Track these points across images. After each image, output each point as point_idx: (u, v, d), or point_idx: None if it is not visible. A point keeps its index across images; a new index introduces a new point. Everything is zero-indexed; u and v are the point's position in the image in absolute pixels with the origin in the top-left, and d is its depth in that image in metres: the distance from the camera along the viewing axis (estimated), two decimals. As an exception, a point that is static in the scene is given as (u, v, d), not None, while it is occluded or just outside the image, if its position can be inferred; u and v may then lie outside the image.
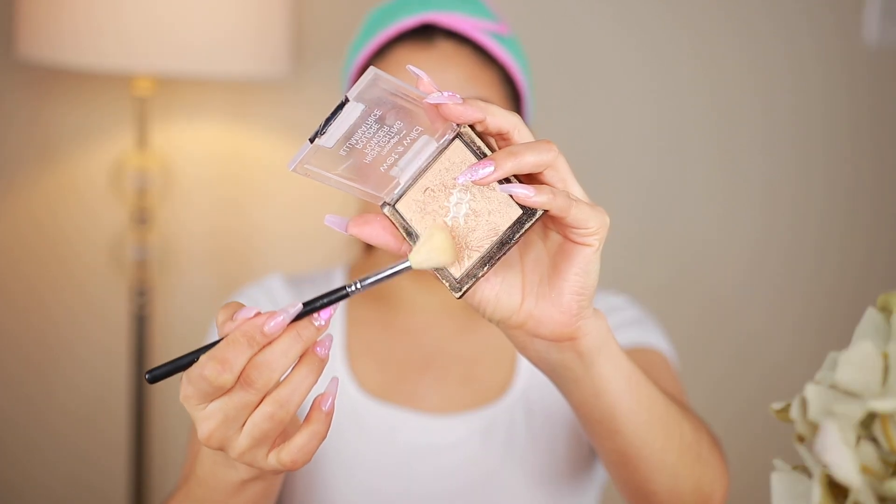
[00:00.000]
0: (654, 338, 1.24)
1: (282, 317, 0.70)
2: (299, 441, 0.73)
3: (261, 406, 0.71)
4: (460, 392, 1.21)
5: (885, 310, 0.58)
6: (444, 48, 1.15)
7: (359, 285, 0.73)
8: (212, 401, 0.71)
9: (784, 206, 2.18)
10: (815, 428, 0.56)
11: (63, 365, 2.12)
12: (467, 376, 1.22)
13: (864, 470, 0.55)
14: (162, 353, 2.12)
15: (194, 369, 0.70)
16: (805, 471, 0.59)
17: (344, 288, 0.72)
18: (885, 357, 0.56)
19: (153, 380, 0.73)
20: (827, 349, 0.59)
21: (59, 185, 2.08)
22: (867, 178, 2.18)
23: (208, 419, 0.71)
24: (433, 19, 1.17)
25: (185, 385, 0.71)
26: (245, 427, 0.72)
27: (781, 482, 0.58)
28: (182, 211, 2.09)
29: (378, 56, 1.18)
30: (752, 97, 2.14)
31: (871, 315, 0.58)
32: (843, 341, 0.58)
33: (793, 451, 0.59)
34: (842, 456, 0.53)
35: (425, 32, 1.17)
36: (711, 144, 2.15)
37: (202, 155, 2.09)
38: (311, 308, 0.72)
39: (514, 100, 1.20)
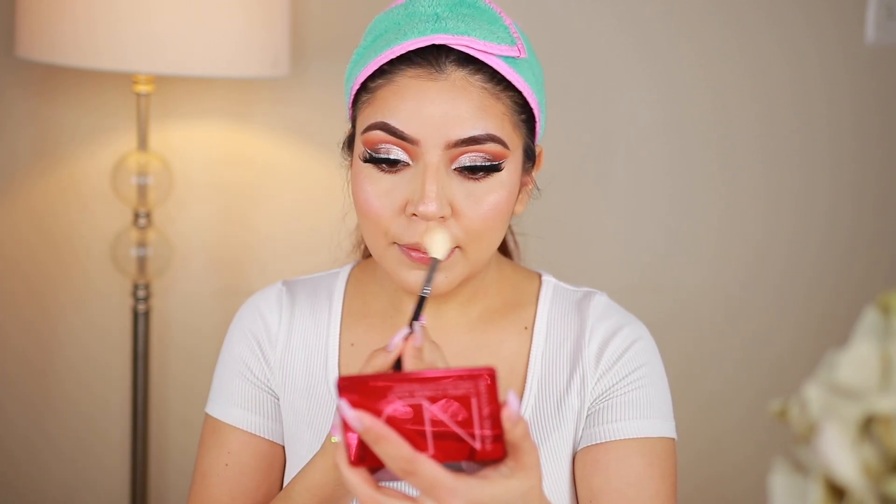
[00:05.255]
0: (659, 422, 1.15)
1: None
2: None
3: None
4: None
5: (885, 309, 0.57)
6: (455, 78, 1.06)
7: (427, 290, 0.97)
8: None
9: (785, 206, 2.17)
10: (814, 428, 0.56)
11: (63, 365, 2.12)
12: None
13: (864, 470, 0.54)
14: (162, 353, 2.12)
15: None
16: (805, 471, 0.59)
17: (422, 296, 0.96)
18: (885, 357, 0.56)
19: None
20: (830, 349, 0.59)
21: (59, 185, 2.07)
22: (868, 178, 2.17)
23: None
24: (445, 41, 1.06)
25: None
26: None
27: (781, 483, 0.57)
28: (182, 211, 2.09)
29: (382, 76, 1.08)
30: (752, 97, 2.14)
31: (871, 314, 0.58)
32: (846, 341, 0.57)
33: (793, 452, 0.59)
34: (842, 456, 0.53)
35: (435, 56, 1.06)
36: (712, 145, 2.15)
37: (202, 155, 2.09)
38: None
39: (527, 122, 1.12)
